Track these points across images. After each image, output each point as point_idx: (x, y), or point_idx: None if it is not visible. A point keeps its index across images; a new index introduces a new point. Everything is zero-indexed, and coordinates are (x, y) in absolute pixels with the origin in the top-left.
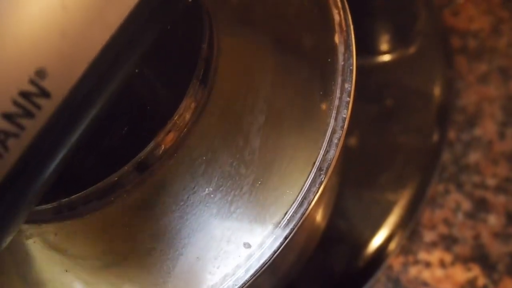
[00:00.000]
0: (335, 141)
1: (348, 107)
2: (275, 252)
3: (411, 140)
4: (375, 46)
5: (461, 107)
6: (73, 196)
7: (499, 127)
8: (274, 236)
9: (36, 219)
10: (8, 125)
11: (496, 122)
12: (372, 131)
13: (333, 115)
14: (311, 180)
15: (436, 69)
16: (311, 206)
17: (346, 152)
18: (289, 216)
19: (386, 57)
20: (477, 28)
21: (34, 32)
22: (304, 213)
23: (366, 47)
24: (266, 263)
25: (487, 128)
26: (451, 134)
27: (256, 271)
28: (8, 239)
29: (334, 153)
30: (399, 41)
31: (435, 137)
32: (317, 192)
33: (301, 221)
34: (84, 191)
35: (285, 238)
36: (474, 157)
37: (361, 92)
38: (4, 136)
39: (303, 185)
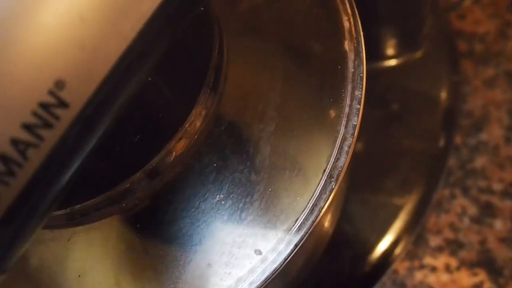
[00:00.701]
0: (346, 148)
1: (358, 114)
2: (285, 259)
3: (417, 145)
4: (381, 51)
5: (467, 111)
6: (85, 203)
7: (505, 131)
8: (285, 242)
9: (49, 225)
10: (28, 136)
11: (503, 126)
12: (378, 135)
13: (344, 122)
14: (322, 187)
15: (442, 73)
16: (321, 213)
17: (352, 157)
18: (300, 223)
19: (392, 62)
20: (483, 31)
21: (52, 44)
22: (315, 220)
23: (373, 52)
24: (277, 269)
25: (494, 133)
26: (457, 139)
27: (267, 278)
28: (27, 245)
29: (344, 160)
30: (405, 46)
31: (441, 142)
32: (328, 199)
33: (312, 228)
34: (97, 198)
35: (296, 245)
36: (480, 161)
37: (367, 96)
38: (24, 146)
39: (314, 192)
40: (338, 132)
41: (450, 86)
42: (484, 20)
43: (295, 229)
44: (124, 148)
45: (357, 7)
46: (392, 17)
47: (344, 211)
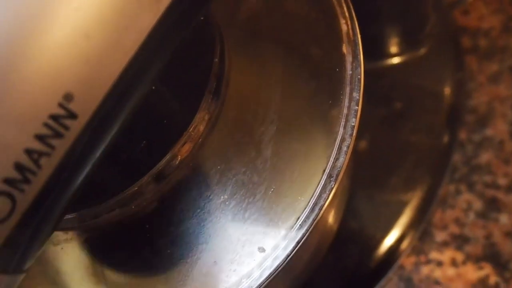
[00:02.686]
0: (345, 148)
1: (356, 115)
2: (288, 255)
3: (422, 141)
4: (384, 49)
5: (472, 107)
6: (96, 206)
7: (510, 127)
8: (287, 240)
9: (63, 227)
10: (41, 145)
11: (508, 122)
12: (383, 133)
13: (342, 123)
14: (322, 187)
15: (446, 69)
16: (322, 212)
17: (357, 154)
18: (301, 221)
19: (396, 59)
20: (487, 27)
21: (61, 60)
22: (316, 219)
23: (376, 50)
24: (280, 266)
25: (499, 128)
26: (462, 135)
27: (270, 274)
28: (42, 248)
29: (343, 160)
30: (409, 43)
31: (446, 138)
32: (328, 198)
33: (313, 226)
34: (107, 201)
35: (298, 242)
36: (485, 157)
37: (371, 94)
38: (38, 156)
39: (314, 191)
40: (337, 133)
41: (454, 83)
42: (488, 15)
43: (297, 227)
44: (132, 154)
45: (359, 5)
46: (395, 14)
47: (349, 208)
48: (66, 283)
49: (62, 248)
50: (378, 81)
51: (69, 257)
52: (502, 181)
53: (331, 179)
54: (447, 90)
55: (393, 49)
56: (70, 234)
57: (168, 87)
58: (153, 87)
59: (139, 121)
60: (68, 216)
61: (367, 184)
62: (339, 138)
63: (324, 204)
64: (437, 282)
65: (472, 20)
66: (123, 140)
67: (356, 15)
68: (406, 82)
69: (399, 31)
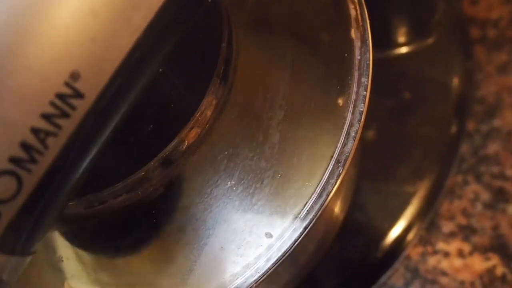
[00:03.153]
0: (353, 134)
1: (365, 101)
2: (295, 241)
3: (430, 132)
4: (393, 39)
5: (480, 98)
6: (103, 191)
7: None
8: (294, 226)
9: (69, 212)
10: (47, 125)
11: None
12: (390, 123)
13: (350, 109)
14: (330, 172)
15: (454, 60)
16: (329, 197)
17: (364, 145)
18: (309, 207)
19: (404, 49)
20: (496, 17)
21: (67, 38)
22: (323, 204)
23: (384, 40)
24: (287, 252)
25: (507, 119)
26: (470, 125)
27: (277, 260)
28: (48, 232)
29: (351, 145)
30: (417, 33)
31: (454, 129)
32: (336, 183)
33: (320, 212)
34: (114, 186)
35: (305, 228)
36: (493, 147)
37: (379, 84)
38: (44, 135)
39: (322, 177)
40: (345, 118)
41: (462, 73)
42: (497, 5)
43: (304, 213)
44: (139, 138)
45: None
46: (404, 4)
47: (356, 199)
48: (71, 269)
49: (66, 233)
50: (386, 71)
51: (74, 244)
52: (509, 172)
53: (339, 164)
54: (455, 81)
55: (401, 39)
56: (76, 220)
57: (176, 72)
58: (161, 70)
59: (146, 105)
60: (74, 201)
61: (374, 174)
62: (347, 123)
63: (332, 189)
64: (443, 273)
65: (480, 10)
66: (129, 124)
67: (366, 5)
68: (414, 72)
69: (407, 21)
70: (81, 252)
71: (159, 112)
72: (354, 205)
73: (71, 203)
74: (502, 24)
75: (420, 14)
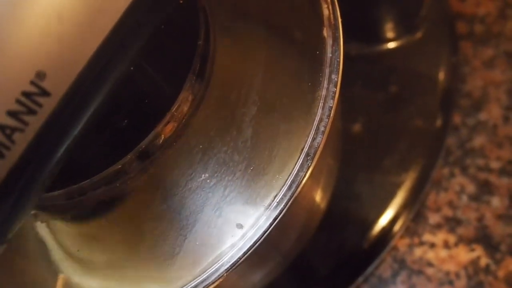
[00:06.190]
0: (322, 128)
1: (334, 97)
2: (265, 231)
3: (416, 125)
4: (380, 34)
5: (466, 92)
6: (82, 183)
7: (504, 111)
8: (265, 217)
9: (50, 204)
10: (13, 121)
11: (501, 106)
12: (378, 116)
13: (321, 104)
14: (299, 165)
15: (441, 54)
16: (299, 189)
17: (352, 137)
18: (279, 198)
19: (391, 44)
20: (483, 12)
21: (33, 40)
22: (293, 196)
23: (372, 35)
24: (257, 241)
25: (492, 112)
26: (457, 119)
27: (248, 249)
28: (23, 219)
29: (320, 140)
30: (404, 28)
31: (439, 122)
32: (305, 176)
33: (290, 202)
34: (91, 178)
35: (275, 218)
36: (479, 141)
37: (366, 78)
38: (10, 131)
39: (292, 169)
40: (315, 114)
41: (449, 67)
42: (485, 1)
43: (274, 204)
44: (116, 132)
45: None
46: None
47: (344, 189)
48: (58, 260)
49: (50, 225)
50: (373, 65)
51: (58, 235)
52: (494, 164)
53: (308, 158)
54: (442, 75)
55: (389, 34)
56: (57, 212)
57: (153, 67)
58: (132, 68)
59: (124, 100)
60: (55, 193)
61: (361, 166)
62: (317, 118)
63: (301, 181)
64: (429, 264)
65: (468, 6)
66: (107, 117)
67: (353, 0)
68: (401, 66)
69: (395, 16)
70: (67, 245)
71: (136, 106)
72: (342, 194)
73: (52, 195)
74: (489, 20)
75: (408, 9)
